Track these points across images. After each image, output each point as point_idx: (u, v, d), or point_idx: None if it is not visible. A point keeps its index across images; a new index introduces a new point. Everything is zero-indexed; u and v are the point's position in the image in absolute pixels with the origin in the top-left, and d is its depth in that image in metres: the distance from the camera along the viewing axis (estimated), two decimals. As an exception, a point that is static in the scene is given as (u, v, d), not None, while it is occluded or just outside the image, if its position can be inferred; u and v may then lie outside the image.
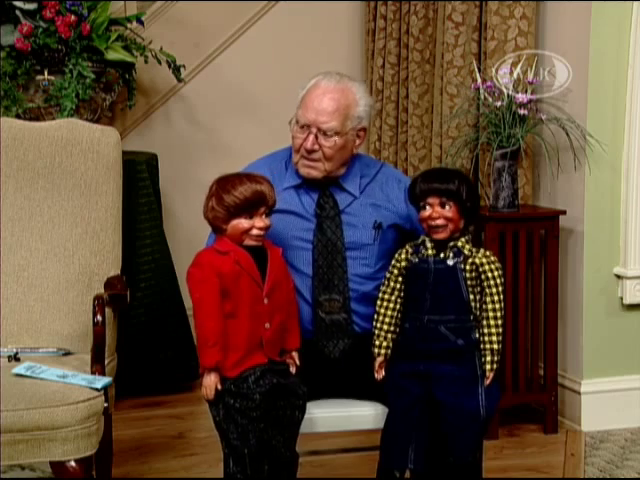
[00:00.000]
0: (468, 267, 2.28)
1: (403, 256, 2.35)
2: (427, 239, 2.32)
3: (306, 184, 2.48)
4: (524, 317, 3.33)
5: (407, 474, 2.32)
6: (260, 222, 2.26)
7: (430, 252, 2.31)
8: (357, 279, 2.43)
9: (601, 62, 3.22)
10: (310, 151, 2.40)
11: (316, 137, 2.40)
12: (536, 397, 3.36)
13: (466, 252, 2.29)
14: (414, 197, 2.34)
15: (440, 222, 2.28)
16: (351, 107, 2.42)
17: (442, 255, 2.30)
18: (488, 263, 2.29)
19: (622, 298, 3.32)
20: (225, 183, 2.27)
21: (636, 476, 2.93)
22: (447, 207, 2.28)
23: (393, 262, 2.37)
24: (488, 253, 2.31)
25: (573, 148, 3.24)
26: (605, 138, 3.22)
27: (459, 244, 2.30)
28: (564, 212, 3.31)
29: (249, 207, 2.25)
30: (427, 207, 2.30)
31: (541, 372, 3.38)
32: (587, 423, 3.31)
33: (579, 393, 3.33)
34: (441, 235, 2.29)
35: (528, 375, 3.35)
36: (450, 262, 2.29)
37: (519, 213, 3.31)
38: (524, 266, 3.29)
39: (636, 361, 3.36)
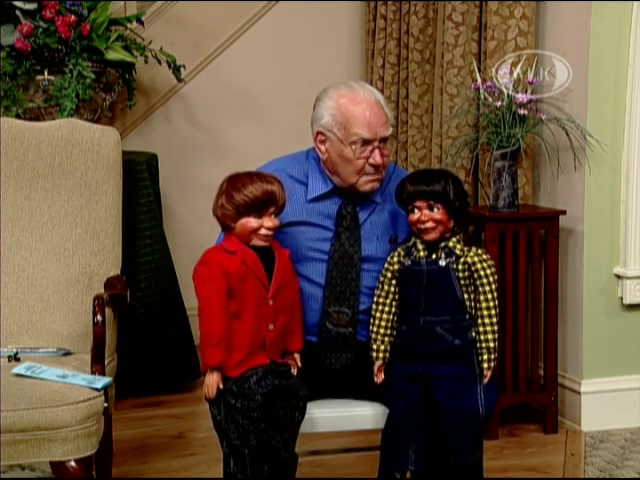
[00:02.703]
0: (460, 266, 2.28)
1: (395, 259, 2.35)
2: (418, 241, 2.32)
3: (335, 192, 2.44)
4: (524, 317, 3.32)
5: (408, 475, 2.32)
6: (269, 222, 2.25)
7: (422, 254, 2.31)
8: (368, 291, 2.41)
9: (601, 62, 3.22)
10: (379, 165, 2.37)
11: (379, 149, 2.37)
12: (536, 397, 3.36)
13: (457, 252, 2.29)
14: (402, 201, 2.33)
15: (429, 225, 2.28)
16: (387, 109, 2.42)
17: (434, 256, 2.30)
18: (480, 261, 2.28)
19: (622, 298, 3.32)
20: (236, 181, 2.26)
21: (636, 476, 2.93)
22: (435, 209, 2.28)
23: (386, 265, 2.36)
24: (480, 251, 2.31)
25: (573, 148, 3.24)
26: (605, 138, 3.22)
27: (450, 244, 2.30)
28: (564, 212, 3.31)
29: (259, 206, 2.24)
30: (415, 210, 2.30)
31: (541, 372, 3.38)
32: (587, 423, 3.31)
33: (579, 393, 3.33)
34: (431, 235, 2.29)
35: (528, 375, 3.34)
36: (442, 263, 2.29)
37: (519, 213, 3.31)
38: (524, 266, 3.28)
39: (636, 361, 3.36)
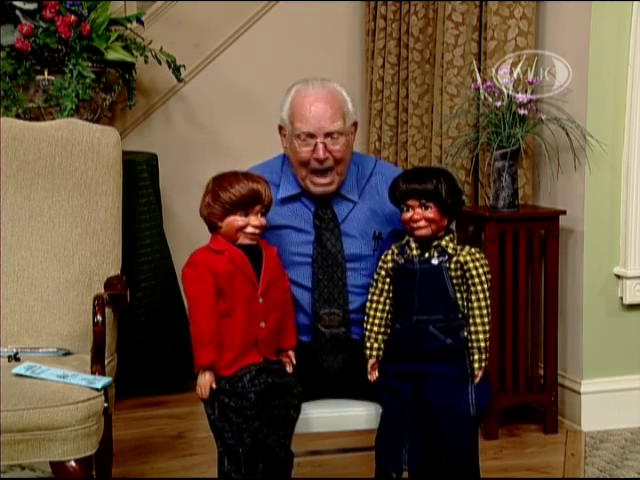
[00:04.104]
0: (453, 266, 2.28)
1: (389, 257, 2.35)
2: (411, 239, 2.32)
3: (304, 194, 2.46)
4: (524, 317, 3.33)
5: (405, 475, 2.31)
6: (255, 220, 2.27)
7: (415, 252, 2.31)
8: (357, 290, 2.42)
9: (601, 62, 3.22)
10: (323, 160, 2.37)
11: (323, 144, 2.37)
12: (536, 397, 3.36)
13: (450, 251, 2.29)
14: (394, 199, 2.34)
15: (422, 224, 2.28)
16: (344, 105, 2.42)
17: (426, 255, 2.30)
18: (472, 261, 2.28)
19: (622, 298, 3.32)
20: (222, 180, 2.28)
21: (636, 476, 2.93)
22: (428, 208, 2.28)
23: (380, 264, 2.36)
24: (473, 250, 2.31)
25: (573, 148, 3.24)
26: (605, 138, 3.22)
27: (443, 243, 2.30)
28: (564, 212, 3.31)
29: (245, 205, 2.25)
30: (408, 209, 2.30)
31: (541, 372, 3.38)
32: (587, 423, 3.31)
33: (579, 393, 3.33)
34: (423, 232, 2.29)
35: (528, 375, 3.35)
36: (435, 261, 2.29)
37: (519, 213, 3.31)
38: (524, 266, 3.29)
39: (636, 361, 3.36)
